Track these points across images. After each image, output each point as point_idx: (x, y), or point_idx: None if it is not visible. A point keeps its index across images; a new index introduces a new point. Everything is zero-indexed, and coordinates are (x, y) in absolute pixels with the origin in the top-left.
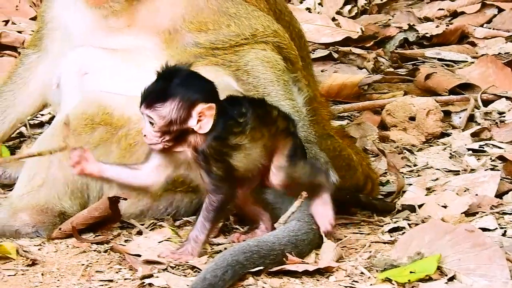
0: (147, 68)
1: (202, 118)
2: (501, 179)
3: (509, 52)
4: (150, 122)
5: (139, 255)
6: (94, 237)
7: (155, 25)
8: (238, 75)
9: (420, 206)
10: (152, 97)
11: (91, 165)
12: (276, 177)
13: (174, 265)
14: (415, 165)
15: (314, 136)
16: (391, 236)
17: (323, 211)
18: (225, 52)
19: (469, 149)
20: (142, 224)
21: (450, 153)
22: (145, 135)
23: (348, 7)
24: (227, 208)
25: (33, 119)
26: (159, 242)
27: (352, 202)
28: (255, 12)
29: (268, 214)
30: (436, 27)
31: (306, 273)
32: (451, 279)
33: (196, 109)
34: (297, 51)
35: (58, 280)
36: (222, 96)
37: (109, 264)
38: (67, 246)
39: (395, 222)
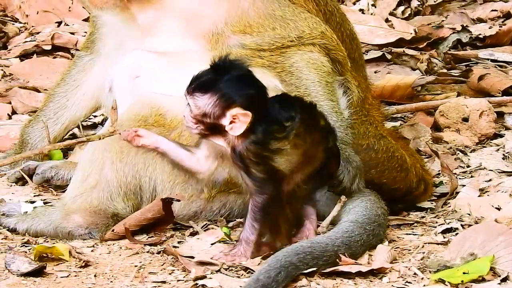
0: (195, 69)
1: (236, 121)
2: None
3: None
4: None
5: (192, 257)
6: (147, 239)
7: (199, 28)
8: (282, 76)
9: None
10: (196, 84)
11: (145, 138)
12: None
13: (227, 267)
14: (468, 166)
15: (350, 138)
16: (444, 237)
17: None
18: (271, 53)
19: None
20: (197, 225)
21: (503, 154)
22: (184, 116)
23: (401, 8)
24: (273, 207)
25: (86, 121)
26: (212, 244)
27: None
28: (302, 14)
29: (314, 212)
30: (489, 28)
31: (359, 274)
32: (504, 280)
33: (231, 111)
34: (347, 52)
35: (111, 281)
36: (273, 95)
37: (162, 265)
38: (120, 248)
39: (448, 223)
